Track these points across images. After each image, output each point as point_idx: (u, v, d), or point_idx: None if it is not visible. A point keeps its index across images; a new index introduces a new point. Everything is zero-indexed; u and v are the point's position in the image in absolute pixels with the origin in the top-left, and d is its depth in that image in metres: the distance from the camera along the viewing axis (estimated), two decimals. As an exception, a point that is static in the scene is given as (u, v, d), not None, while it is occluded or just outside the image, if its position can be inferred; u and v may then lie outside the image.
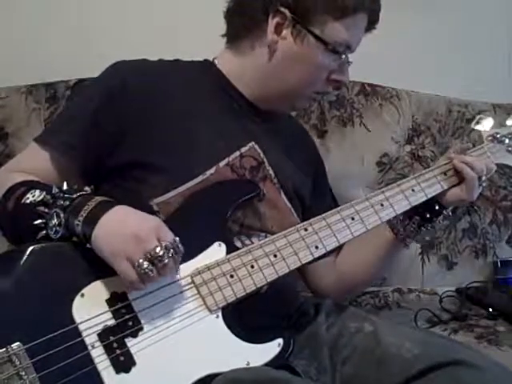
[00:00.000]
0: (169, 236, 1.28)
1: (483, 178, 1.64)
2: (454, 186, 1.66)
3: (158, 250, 1.24)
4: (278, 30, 1.57)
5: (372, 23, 1.66)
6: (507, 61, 2.84)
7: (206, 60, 1.72)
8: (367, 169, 2.43)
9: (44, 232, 1.33)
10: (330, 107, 2.44)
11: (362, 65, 2.31)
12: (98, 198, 1.33)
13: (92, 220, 1.28)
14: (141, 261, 1.23)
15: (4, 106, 2.22)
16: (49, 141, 1.54)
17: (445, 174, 1.66)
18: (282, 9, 1.55)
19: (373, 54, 2.51)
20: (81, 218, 1.28)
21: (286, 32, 1.57)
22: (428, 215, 1.67)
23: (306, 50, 1.58)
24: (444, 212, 1.68)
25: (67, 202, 1.32)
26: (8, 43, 2.37)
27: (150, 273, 1.23)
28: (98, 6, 2.43)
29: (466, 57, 2.75)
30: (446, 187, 1.65)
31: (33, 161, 1.55)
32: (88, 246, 1.29)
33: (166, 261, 1.24)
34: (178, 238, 1.28)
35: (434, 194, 1.64)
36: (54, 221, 1.31)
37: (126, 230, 1.26)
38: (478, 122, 1.84)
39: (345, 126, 2.44)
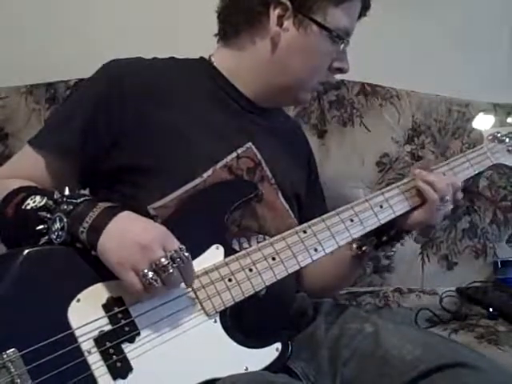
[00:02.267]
0: (174, 245, 1.26)
1: (447, 197, 1.56)
2: (417, 206, 1.60)
3: (162, 259, 1.23)
4: (279, 21, 1.57)
5: (365, 9, 1.66)
6: (507, 61, 2.84)
7: (201, 58, 1.70)
8: (367, 169, 2.44)
9: (46, 237, 1.31)
10: (330, 107, 2.45)
11: (362, 65, 2.32)
12: (102, 205, 1.31)
13: (97, 228, 1.26)
14: (146, 271, 1.22)
15: (4, 106, 2.23)
16: (44, 143, 1.52)
17: (409, 192, 1.60)
18: (283, 0, 1.55)
19: (373, 54, 2.53)
20: (86, 225, 1.27)
21: (287, 23, 1.57)
22: (385, 238, 1.63)
23: (310, 39, 1.57)
24: (403, 236, 1.64)
25: (70, 207, 1.30)
26: (8, 43, 2.38)
27: (154, 283, 1.22)
28: (98, 6, 2.44)
29: (466, 57, 2.75)
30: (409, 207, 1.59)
31: (26, 165, 1.53)
32: (93, 253, 1.28)
33: (171, 271, 1.23)
34: (183, 246, 1.26)
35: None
36: (57, 225, 1.29)
37: (131, 239, 1.25)
38: (478, 121, 1.83)
39: (345, 125, 2.45)
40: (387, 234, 1.62)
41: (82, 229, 1.27)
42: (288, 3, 1.55)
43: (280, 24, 1.57)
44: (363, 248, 1.64)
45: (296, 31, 1.57)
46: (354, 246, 1.64)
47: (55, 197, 1.34)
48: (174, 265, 1.24)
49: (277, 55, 1.59)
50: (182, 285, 1.32)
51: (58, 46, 2.40)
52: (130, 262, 1.23)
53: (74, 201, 1.31)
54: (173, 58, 1.68)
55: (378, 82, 2.50)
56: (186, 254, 1.26)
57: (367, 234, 1.60)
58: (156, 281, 1.22)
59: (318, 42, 1.58)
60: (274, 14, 1.56)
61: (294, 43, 1.58)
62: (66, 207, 1.30)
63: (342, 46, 1.60)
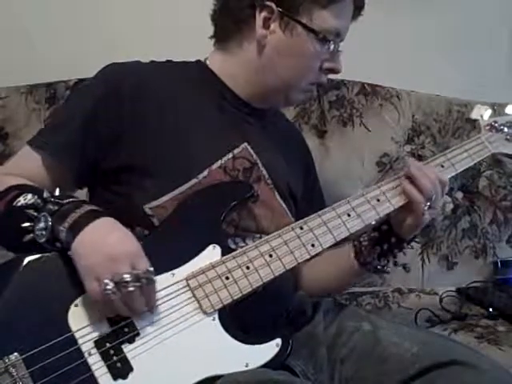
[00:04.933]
0: (143, 265, 1.27)
1: (433, 196, 1.52)
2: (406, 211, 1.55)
3: (125, 275, 1.23)
4: (265, 24, 1.58)
5: (358, 10, 1.65)
6: (507, 61, 2.84)
7: (198, 61, 1.72)
8: (367, 169, 2.44)
9: (31, 235, 1.33)
10: (330, 107, 2.44)
11: (362, 65, 2.31)
12: (87, 207, 1.33)
13: (76, 229, 1.28)
14: (106, 281, 1.22)
15: (4, 106, 2.23)
16: (42, 144, 1.54)
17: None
18: (268, 3, 1.56)
19: (373, 54, 2.53)
20: (66, 225, 1.28)
21: (274, 25, 1.58)
22: (386, 246, 1.61)
23: (296, 41, 1.58)
24: (404, 245, 1.62)
25: (56, 207, 1.32)
26: (8, 43, 2.38)
27: (112, 295, 1.22)
28: (97, 6, 2.44)
29: (466, 57, 2.75)
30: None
31: (26, 164, 1.54)
32: (68, 253, 1.29)
33: (131, 289, 1.23)
34: (152, 269, 1.27)
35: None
36: (41, 224, 1.31)
37: (102, 247, 1.26)
38: (475, 112, 1.83)
39: (345, 125, 2.45)
40: (388, 242, 1.60)
41: (62, 228, 1.29)
42: (274, 6, 1.56)
43: (267, 26, 1.58)
44: (367, 259, 1.62)
45: (282, 33, 1.58)
46: (360, 257, 1.63)
47: (44, 196, 1.36)
48: (137, 284, 1.24)
49: (265, 57, 1.60)
50: (179, 285, 1.34)
51: (58, 46, 2.40)
52: (94, 270, 1.24)
53: (61, 201, 1.33)
54: (169, 61, 1.70)
55: (378, 82, 2.49)
56: (152, 277, 1.27)
57: (372, 245, 1.60)
58: (114, 293, 1.22)
59: (305, 44, 1.58)
60: (260, 16, 1.57)
61: (280, 45, 1.59)
62: (52, 207, 1.32)
63: (333, 46, 1.59)
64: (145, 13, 2.48)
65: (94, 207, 1.34)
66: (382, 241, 1.60)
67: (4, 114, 2.22)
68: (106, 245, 1.27)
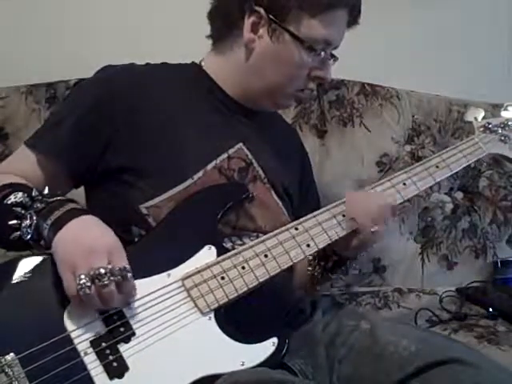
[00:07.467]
0: (120, 261, 1.26)
1: (367, 225, 1.51)
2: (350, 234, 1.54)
3: (101, 270, 1.22)
4: (254, 28, 1.58)
5: (354, 18, 1.63)
6: (507, 61, 2.84)
7: (193, 62, 1.73)
8: (367, 169, 2.43)
9: (18, 233, 1.35)
10: (330, 107, 2.44)
11: (362, 65, 2.31)
12: (71, 205, 1.34)
13: (58, 225, 1.29)
14: (82, 276, 1.22)
15: (4, 106, 2.23)
16: (36, 144, 1.56)
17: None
18: (257, 8, 1.56)
19: (373, 54, 2.53)
20: (49, 222, 1.30)
21: (262, 31, 1.58)
22: (330, 264, 1.63)
23: (282, 48, 1.57)
24: (348, 263, 1.64)
25: (42, 205, 1.34)
26: (8, 43, 2.39)
27: (86, 289, 1.21)
28: (97, 7, 2.44)
29: (466, 57, 2.75)
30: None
31: (22, 163, 1.56)
32: (50, 251, 1.30)
33: (106, 282, 1.22)
34: (129, 267, 1.26)
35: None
36: (27, 222, 1.33)
37: (81, 241, 1.27)
38: (469, 114, 1.84)
39: (345, 125, 2.45)
40: (331, 261, 1.63)
41: (45, 225, 1.31)
42: (262, 11, 1.56)
43: (255, 31, 1.58)
44: (314, 271, 1.67)
45: (269, 39, 1.57)
46: (309, 268, 1.67)
47: (33, 194, 1.38)
48: (112, 278, 1.23)
49: (252, 61, 1.61)
50: (174, 285, 1.35)
51: (58, 46, 2.40)
52: (70, 263, 1.25)
53: (47, 200, 1.36)
54: (165, 63, 1.71)
55: (378, 82, 2.49)
56: (127, 275, 1.26)
57: (318, 259, 1.64)
58: (89, 288, 1.22)
59: (291, 51, 1.57)
60: (249, 21, 1.57)
61: (267, 51, 1.59)
62: (38, 205, 1.35)
63: (323, 55, 1.59)
64: (145, 13, 2.48)
65: (78, 206, 1.37)
66: (325, 259, 1.63)
67: (4, 114, 2.22)
68: (85, 238, 1.28)
